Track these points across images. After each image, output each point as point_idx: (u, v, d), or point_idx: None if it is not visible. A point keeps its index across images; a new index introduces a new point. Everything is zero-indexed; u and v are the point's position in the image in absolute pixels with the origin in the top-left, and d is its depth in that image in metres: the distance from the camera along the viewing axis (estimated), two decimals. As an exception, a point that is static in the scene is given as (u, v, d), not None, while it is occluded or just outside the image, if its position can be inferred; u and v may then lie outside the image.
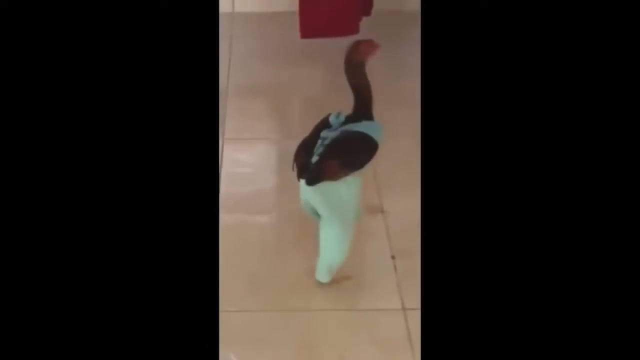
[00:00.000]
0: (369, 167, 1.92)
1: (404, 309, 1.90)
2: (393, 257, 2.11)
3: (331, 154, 1.82)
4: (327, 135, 1.84)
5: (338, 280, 1.97)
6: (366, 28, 2.93)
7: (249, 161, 2.54)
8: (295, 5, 2.92)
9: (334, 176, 1.83)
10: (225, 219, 2.16)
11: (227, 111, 2.69)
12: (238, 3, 3.30)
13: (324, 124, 1.88)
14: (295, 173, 1.87)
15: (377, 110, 1.90)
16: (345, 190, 1.86)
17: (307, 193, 1.87)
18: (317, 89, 2.93)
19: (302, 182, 1.84)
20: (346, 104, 1.92)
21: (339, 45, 3.00)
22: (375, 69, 2.96)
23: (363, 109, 1.87)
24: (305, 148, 1.87)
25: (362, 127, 1.85)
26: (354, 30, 2.87)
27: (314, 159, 1.82)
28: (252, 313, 1.91)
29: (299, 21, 2.83)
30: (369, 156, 1.86)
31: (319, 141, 1.84)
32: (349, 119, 1.87)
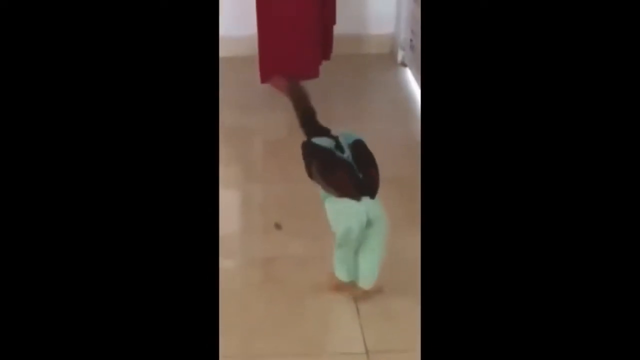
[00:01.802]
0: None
1: (367, 352, 1.90)
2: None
3: (373, 163, 1.94)
4: (345, 151, 1.91)
5: (306, 324, 1.99)
6: (326, 71, 2.97)
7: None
8: (255, 50, 2.95)
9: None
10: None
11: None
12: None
13: (320, 146, 1.93)
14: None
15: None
16: None
17: (369, 207, 1.92)
18: (279, 132, 2.94)
19: (364, 201, 1.89)
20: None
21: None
22: (338, 112, 3.00)
23: (318, 124, 2.00)
24: (337, 168, 1.91)
25: (349, 136, 1.97)
26: (315, 73, 2.90)
27: (360, 174, 1.89)
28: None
29: (259, 66, 2.86)
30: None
31: (342, 159, 1.90)
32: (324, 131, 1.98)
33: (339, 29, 3.16)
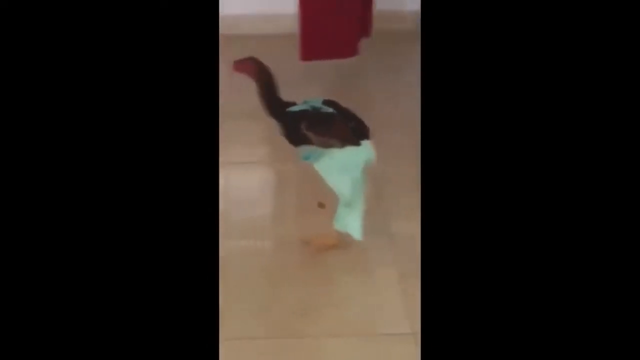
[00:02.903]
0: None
1: (413, 333, 1.86)
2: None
3: (352, 113, 2.05)
4: (322, 109, 2.00)
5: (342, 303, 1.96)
6: (365, 48, 2.92)
7: (246, 185, 2.51)
8: (294, 28, 2.90)
9: None
10: (227, 245, 2.13)
11: (222, 135, 2.64)
12: (236, 26, 3.27)
13: (303, 109, 2.00)
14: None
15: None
16: None
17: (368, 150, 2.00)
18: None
19: (366, 144, 1.99)
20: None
21: (337, 67, 3.04)
22: (375, 89, 2.95)
23: (282, 100, 2.04)
24: (331, 120, 1.98)
25: (316, 100, 2.05)
26: (354, 51, 2.85)
27: (350, 123, 1.99)
28: (256, 340, 1.86)
29: (299, 44, 2.81)
30: None
31: (331, 112, 1.99)
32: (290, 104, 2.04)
33: (379, 4, 3.11)
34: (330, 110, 2.00)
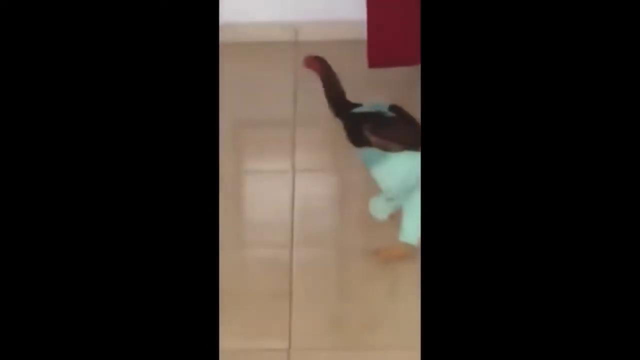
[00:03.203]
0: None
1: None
2: None
3: (414, 119, 2.08)
4: (386, 113, 2.03)
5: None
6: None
7: (319, 193, 2.53)
8: (361, 34, 2.90)
9: None
10: (296, 254, 2.14)
11: (295, 141, 2.68)
12: (302, 32, 3.27)
13: (367, 111, 2.05)
14: None
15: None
16: None
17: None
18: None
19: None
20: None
21: (403, 74, 3.02)
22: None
23: (349, 102, 2.10)
24: (394, 123, 2.02)
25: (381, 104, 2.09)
26: (419, 59, 2.83)
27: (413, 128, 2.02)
28: (324, 351, 1.87)
29: (367, 51, 2.81)
30: None
31: (394, 116, 2.03)
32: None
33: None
34: (393, 114, 2.03)
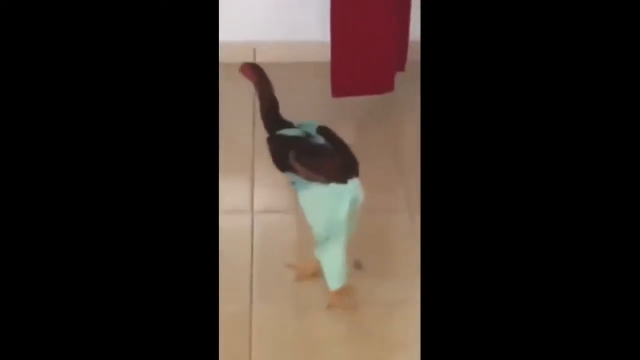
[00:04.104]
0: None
1: None
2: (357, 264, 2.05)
3: (345, 145, 1.95)
4: (317, 138, 1.91)
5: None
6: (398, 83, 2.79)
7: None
8: (324, 57, 2.78)
9: None
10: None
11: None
12: (260, 54, 3.14)
13: (294, 136, 1.92)
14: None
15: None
16: None
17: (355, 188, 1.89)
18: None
19: (353, 183, 1.87)
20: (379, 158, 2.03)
21: (370, 103, 2.91)
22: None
23: (280, 117, 1.99)
24: (319, 153, 1.89)
25: (311, 124, 1.97)
26: (390, 87, 2.72)
27: (340, 158, 1.88)
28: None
29: (331, 80, 2.68)
30: None
31: (322, 144, 1.90)
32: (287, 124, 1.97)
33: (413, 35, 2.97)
34: (322, 141, 1.91)
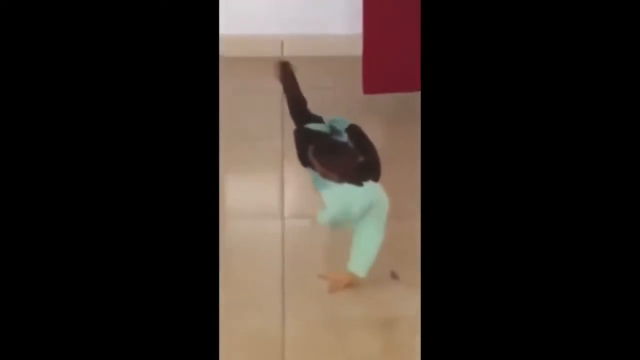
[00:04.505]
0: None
1: None
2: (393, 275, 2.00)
3: (372, 146, 1.87)
4: (342, 135, 1.85)
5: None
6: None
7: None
8: (351, 50, 2.72)
9: None
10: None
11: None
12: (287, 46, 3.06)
13: (316, 131, 1.88)
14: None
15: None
16: None
17: (372, 192, 1.84)
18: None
19: (371, 186, 1.81)
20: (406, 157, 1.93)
21: (398, 100, 2.83)
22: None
23: (309, 112, 1.95)
24: (337, 151, 1.84)
25: (343, 122, 1.91)
26: (419, 84, 2.63)
27: (361, 158, 1.81)
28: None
29: (362, 76, 2.60)
30: None
31: (342, 142, 1.84)
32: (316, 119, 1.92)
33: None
34: (345, 139, 1.84)
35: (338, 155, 1.84)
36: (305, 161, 1.89)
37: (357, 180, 1.83)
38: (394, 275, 2.04)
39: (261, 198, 2.38)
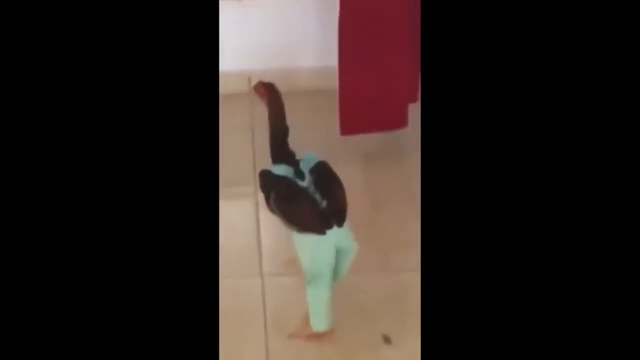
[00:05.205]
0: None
1: None
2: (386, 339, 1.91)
3: (338, 186, 1.78)
4: (305, 178, 1.77)
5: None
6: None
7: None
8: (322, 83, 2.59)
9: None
10: None
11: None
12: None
13: (277, 176, 1.79)
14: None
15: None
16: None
17: (338, 237, 1.76)
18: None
19: (336, 232, 1.74)
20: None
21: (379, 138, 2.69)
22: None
23: (286, 146, 1.85)
24: (296, 200, 1.75)
25: (310, 159, 1.83)
26: (403, 122, 2.49)
27: (323, 203, 1.74)
28: None
29: (338, 116, 2.43)
30: None
31: (302, 189, 1.75)
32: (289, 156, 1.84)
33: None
34: (307, 184, 1.75)
35: (297, 204, 1.76)
36: (268, 205, 1.81)
37: (319, 229, 1.74)
38: (386, 340, 1.94)
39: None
